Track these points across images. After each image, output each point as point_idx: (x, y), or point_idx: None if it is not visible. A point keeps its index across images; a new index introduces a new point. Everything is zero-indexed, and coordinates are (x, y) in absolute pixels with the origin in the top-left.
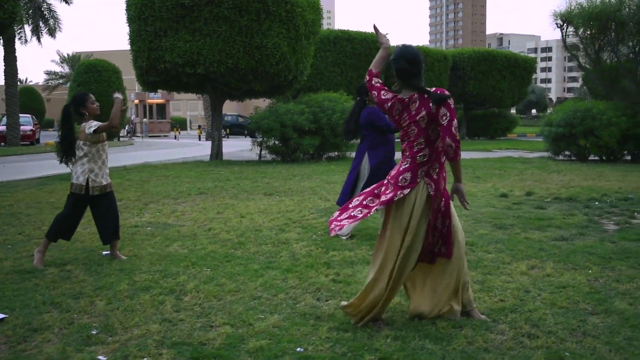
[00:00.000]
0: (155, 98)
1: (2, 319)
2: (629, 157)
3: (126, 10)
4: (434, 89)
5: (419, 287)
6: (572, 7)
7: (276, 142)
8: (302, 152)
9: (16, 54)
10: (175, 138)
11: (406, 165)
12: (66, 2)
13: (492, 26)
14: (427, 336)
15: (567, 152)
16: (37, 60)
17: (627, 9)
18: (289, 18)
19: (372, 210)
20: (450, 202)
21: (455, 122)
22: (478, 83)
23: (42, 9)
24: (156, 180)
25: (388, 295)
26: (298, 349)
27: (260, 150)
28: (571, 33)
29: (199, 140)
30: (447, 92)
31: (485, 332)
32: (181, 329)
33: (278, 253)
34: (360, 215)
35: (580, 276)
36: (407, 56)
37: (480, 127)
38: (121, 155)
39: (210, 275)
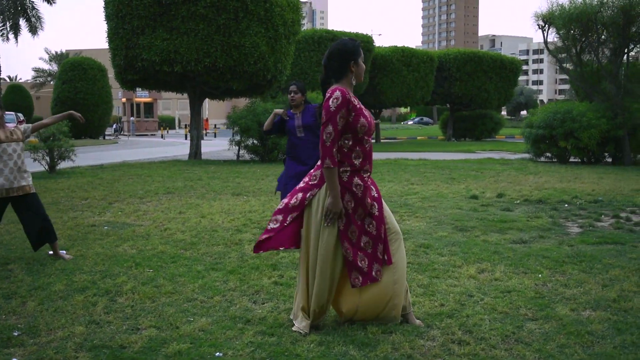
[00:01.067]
0: (143, 97)
1: None
2: (609, 159)
3: (104, 7)
4: (331, 88)
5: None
6: (554, 8)
7: (254, 141)
8: (280, 152)
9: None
10: (162, 137)
11: (319, 163)
12: (48, 2)
13: (485, 28)
14: (353, 342)
15: (548, 154)
16: (26, 58)
17: (608, 10)
18: (267, 17)
19: (287, 220)
20: (383, 206)
21: (329, 128)
22: (464, 84)
23: (26, 7)
24: (127, 179)
25: (314, 302)
26: (217, 354)
27: (238, 150)
28: (555, 35)
29: (186, 139)
30: (332, 95)
31: (414, 338)
32: (105, 331)
33: (227, 254)
34: (277, 226)
35: (528, 280)
36: (329, 51)
37: (466, 128)
38: (102, 154)
39: (151, 276)
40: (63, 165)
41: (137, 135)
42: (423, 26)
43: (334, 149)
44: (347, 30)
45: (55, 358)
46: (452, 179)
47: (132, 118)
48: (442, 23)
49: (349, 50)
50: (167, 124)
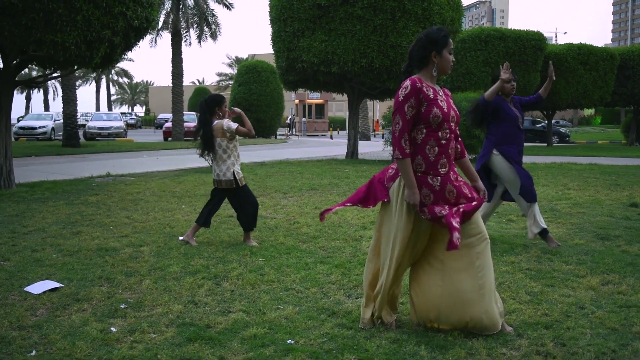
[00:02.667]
0: (314, 98)
1: (57, 288)
2: None
3: (269, 12)
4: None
5: (421, 292)
6: None
7: None
8: None
9: (182, 56)
10: (330, 137)
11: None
12: (227, 7)
13: None
14: (427, 342)
15: None
16: (211, 62)
17: None
18: (425, 16)
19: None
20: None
21: (397, 117)
22: None
23: (207, 15)
24: (279, 175)
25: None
26: (289, 341)
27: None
28: None
29: None
30: (403, 84)
31: (496, 346)
32: (199, 311)
33: (342, 249)
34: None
35: None
36: (415, 39)
37: None
38: (268, 152)
39: (260, 264)
40: None
41: (307, 135)
42: (613, 22)
43: (403, 140)
44: (520, 28)
45: (146, 330)
46: (616, 185)
47: (303, 119)
48: (635, 19)
49: (432, 39)
50: (338, 124)
